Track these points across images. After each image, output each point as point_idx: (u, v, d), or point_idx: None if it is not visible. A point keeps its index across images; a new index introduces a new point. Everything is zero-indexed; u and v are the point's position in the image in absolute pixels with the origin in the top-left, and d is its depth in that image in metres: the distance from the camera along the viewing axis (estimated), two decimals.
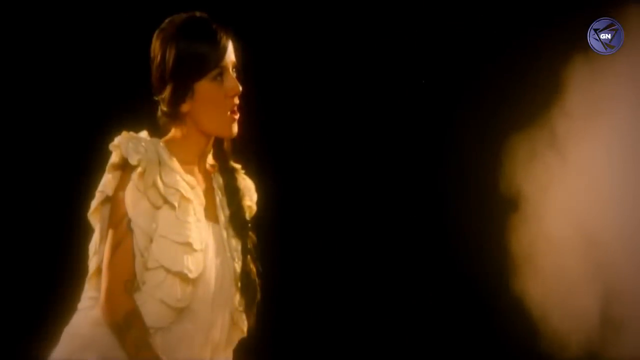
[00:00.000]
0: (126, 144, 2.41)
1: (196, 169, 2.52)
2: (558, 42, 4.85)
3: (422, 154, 4.97)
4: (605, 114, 4.93)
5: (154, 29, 2.54)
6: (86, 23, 4.14)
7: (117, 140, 2.44)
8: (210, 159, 2.61)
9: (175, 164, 2.45)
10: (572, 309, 5.04)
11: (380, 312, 4.80)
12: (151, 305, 2.38)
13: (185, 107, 2.48)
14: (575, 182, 4.97)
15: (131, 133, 2.46)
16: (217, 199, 2.54)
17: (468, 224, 4.93)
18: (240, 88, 2.47)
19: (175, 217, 2.40)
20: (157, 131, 2.55)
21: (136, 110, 2.66)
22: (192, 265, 2.39)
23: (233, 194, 2.56)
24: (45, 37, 4.14)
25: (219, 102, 2.46)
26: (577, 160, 4.96)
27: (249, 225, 2.57)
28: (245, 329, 2.56)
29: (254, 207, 2.66)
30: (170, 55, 2.46)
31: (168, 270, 2.38)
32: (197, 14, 2.52)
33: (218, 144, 2.58)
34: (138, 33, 2.76)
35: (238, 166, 2.64)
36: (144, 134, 2.51)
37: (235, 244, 2.53)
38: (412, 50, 4.89)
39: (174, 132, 2.54)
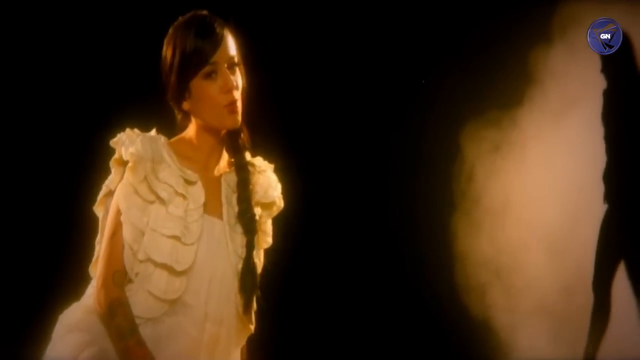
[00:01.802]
0: (123, 141, 2.47)
1: (204, 166, 2.55)
2: (532, 34, 4.87)
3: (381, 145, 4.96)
4: (575, 111, 4.96)
5: (167, 27, 2.56)
6: (102, 23, 4.18)
7: (117, 137, 2.50)
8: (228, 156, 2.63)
9: (174, 160, 2.49)
10: (533, 308, 5.07)
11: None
12: (140, 296, 2.43)
13: (186, 106, 2.52)
14: (535, 177, 4.98)
15: (135, 130, 2.51)
16: (223, 195, 2.54)
17: (418, 220, 4.93)
18: (235, 84, 2.48)
19: (165, 212, 2.44)
20: (169, 129, 2.59)
21: (149, 109, 2.68)
22: (180, 258, 2.42)
23: (242, 191, 2.56)
24: (60, 39, 4.19)
25: (214, 98, 2.47)
26: (539, 156, 4.97)
27: (256, 222, 2.57)
28: (252, 326, 2.57)
29: (278, 203, 2.65)
30: (168, 55, 2.51)
31: (155, 263, 2.42)
32: (198, 12, 2.53)
33: (233, 140, 2.59)
34: (151, 32, 2.75)
35: (258, 162, 2.65)
36: (153, 132, 2.56)
37: (241, 240, 2.53)
38: (376, 37, 4.86)
39: (186, 130, 2.58)
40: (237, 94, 2.49)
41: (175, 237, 2.42)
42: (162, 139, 2.52)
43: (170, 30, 2.52)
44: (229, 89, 2.47)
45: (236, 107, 2.48)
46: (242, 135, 2.59)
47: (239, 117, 2.50)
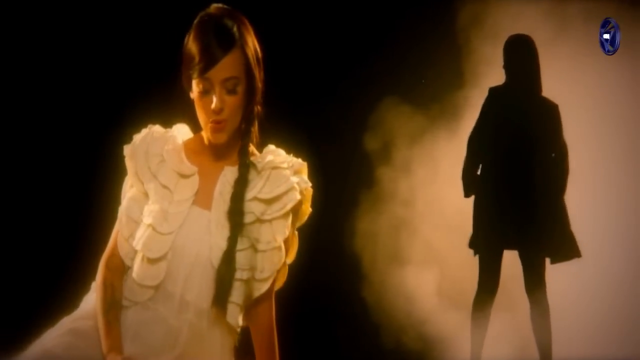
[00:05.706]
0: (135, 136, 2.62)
1: (209, 159, 2.61)
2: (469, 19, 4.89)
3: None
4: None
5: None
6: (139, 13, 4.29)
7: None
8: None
9: (172, 155, 2.58)
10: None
11: None
12: (129, 280, 2.56)
13: (192, 96, 2.55)
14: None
15: (156, 126, 2.62)
16: (217, 189, 2.57)
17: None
18: (219, 106, 2.49)
19: (150, 203, 2.56)
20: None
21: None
22: (153, 246, 2.52)
23: (236, 188, 2.57)
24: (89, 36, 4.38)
25: (202, 110, 2.53)
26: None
27: (241, 218, 2.55)
28: (236, 325, 2.56)
29: (285, 199, 2.58)
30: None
31: (136, 251, 2.55)
32: (214, 16, 2.52)
33: (242, 138, 2.60)
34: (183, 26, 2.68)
35: (279, 159, 2.61)
36: (179, 126, 2.65)
37: (226, 233, 2.55)
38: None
39: None
40: (225, 115, 2.50)
41: (151, 227, 2.52)
42: (173, 134, 2.60)
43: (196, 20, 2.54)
44: (212, 110, 2.49)
45: (221, 126, 2.51)
46: (250, 134, 2.59)
47: (224, 135, 2.53)
